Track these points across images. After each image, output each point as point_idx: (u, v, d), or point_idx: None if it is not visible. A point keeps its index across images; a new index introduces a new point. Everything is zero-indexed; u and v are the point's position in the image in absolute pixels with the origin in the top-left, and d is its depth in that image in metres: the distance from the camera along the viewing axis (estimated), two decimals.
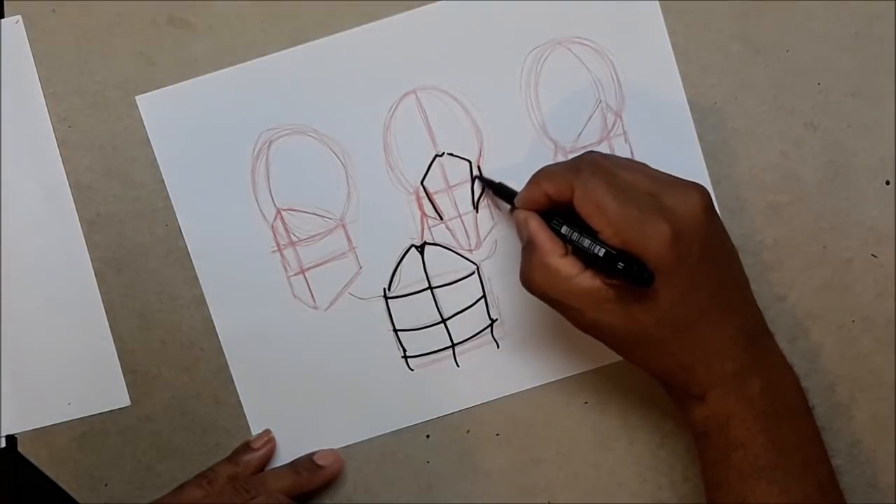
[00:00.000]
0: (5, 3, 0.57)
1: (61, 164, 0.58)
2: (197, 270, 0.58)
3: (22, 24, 0.57)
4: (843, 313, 0.58)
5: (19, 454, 0.58)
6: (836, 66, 0.57)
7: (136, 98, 0.57)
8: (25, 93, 0.57)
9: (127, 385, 0.58)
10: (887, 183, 0.58)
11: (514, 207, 0.53)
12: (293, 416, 0.58)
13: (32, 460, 0.58)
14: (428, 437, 0.59)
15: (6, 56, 0.57)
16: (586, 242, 0.48)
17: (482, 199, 0.58)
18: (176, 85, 0.57)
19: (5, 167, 0.57)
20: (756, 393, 0.49)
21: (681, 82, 0.57)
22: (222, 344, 0.58)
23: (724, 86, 0.57)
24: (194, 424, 0.58)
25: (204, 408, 0.58)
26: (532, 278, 0.50)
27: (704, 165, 0.57)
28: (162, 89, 0.57)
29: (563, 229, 0.50)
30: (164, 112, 0.57)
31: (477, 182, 0.57)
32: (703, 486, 0.52)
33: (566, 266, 0.49)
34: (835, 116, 0.58)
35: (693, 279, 0.48)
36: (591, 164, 0.49)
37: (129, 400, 0.58)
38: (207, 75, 0.57)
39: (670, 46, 0.57)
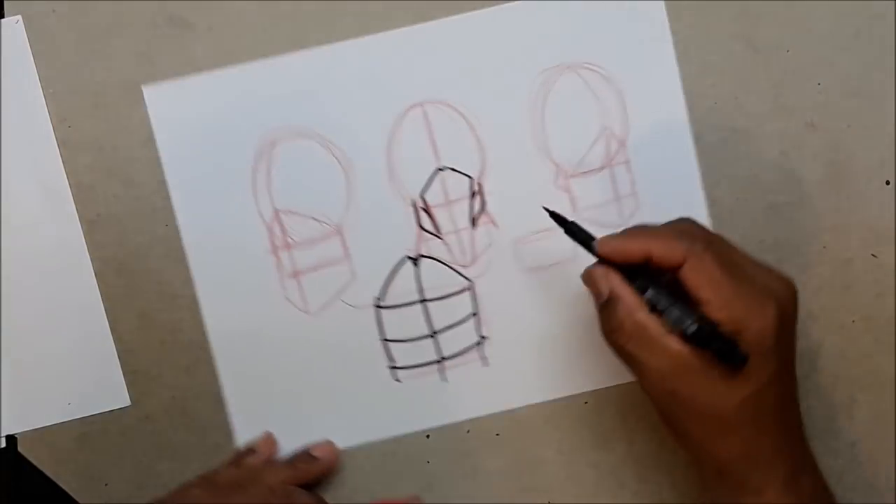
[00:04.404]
0: (5, 3, 0.57)
1: (61, 164, 0.58)
2: (191, 266, 0.58)
3: (22, 24, 0.57)
4: (843, 313, 0.58)
5: (19, 454, 0.58)
6: (836, 66, 0.57)
7: (143, 88, 0.57)
8: (25, 93, 0.57)
9: (127, 385, 0.58)
10: (887, 183, 0.58)
11: (593, 253, 0.49)
12: (277, 418, 0.58)
13: (32, 460, 0.58)
14: (428, 437, 0.59)
15: (6, 56, 0.57)
16: (675, 313, 0.46)
17: (479, 217, 0.57)
18: (183, 79, 0.57)
19: (5, 167, 0.57)
20: (807, 492, 0.48)
21: (687, 116, 0.57)
22: (211, 341, 0.58)
23: (724, 86, 0.57)
24: (194, 424, 0.58)
25: (204, 408, 0.58)
26: (620, 333, 0.47)
27: (704, 201, 0.57)
28: (168, 82, 0.57)
29: (650, 293, 0.47)
30: (170, 105, 0.57)
31: (475, 201, 0.57)
32: None
33: (654, 323, 0.46)
34: (835, 116, 0.58)
35: (782, 367, 0.47)
36: (706, 237, 0.47)
37: (129, 400, 0.58)
38: (215, 71, 0.57)
39: (679, 80, 0.57)
